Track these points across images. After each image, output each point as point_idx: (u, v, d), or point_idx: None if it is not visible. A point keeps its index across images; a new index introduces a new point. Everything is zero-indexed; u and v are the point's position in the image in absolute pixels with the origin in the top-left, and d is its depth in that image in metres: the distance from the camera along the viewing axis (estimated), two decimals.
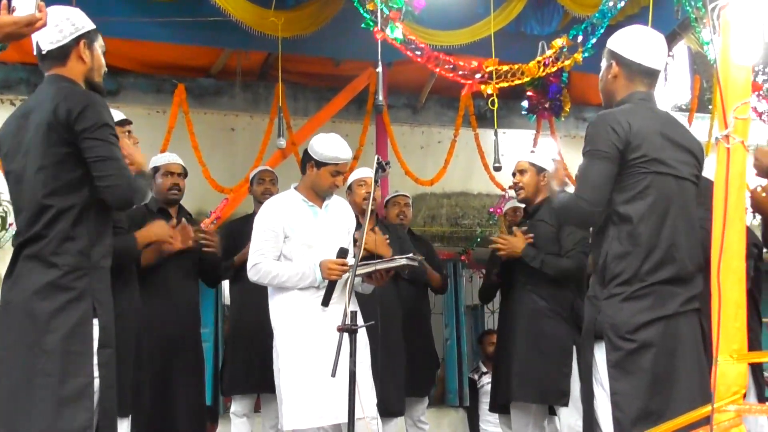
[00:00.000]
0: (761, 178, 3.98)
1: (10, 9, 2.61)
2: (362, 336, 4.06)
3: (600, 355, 3.13)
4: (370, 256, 4.53)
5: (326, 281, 3.97)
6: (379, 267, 4.01)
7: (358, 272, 3.95)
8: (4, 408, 2.82)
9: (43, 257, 2.88)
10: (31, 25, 2.62)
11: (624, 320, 3.04)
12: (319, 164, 4.14)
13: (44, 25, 2.69)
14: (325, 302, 3.91)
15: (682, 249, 3.10)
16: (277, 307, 4.13)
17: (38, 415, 2.78)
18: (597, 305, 3.16)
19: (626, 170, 3.12)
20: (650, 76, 3.30)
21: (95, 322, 2.92)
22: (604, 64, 3.37)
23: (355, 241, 4.29)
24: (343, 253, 3.96)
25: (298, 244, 4.09)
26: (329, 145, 4.15)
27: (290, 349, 4.01)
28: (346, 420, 3.48)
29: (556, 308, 4.69)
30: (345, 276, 3.96)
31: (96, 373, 2.90)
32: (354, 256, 3.87)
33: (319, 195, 4.22)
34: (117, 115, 4.08)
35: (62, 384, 2.81)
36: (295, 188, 4.29)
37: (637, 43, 3.29)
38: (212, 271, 5.23)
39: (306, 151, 4.24)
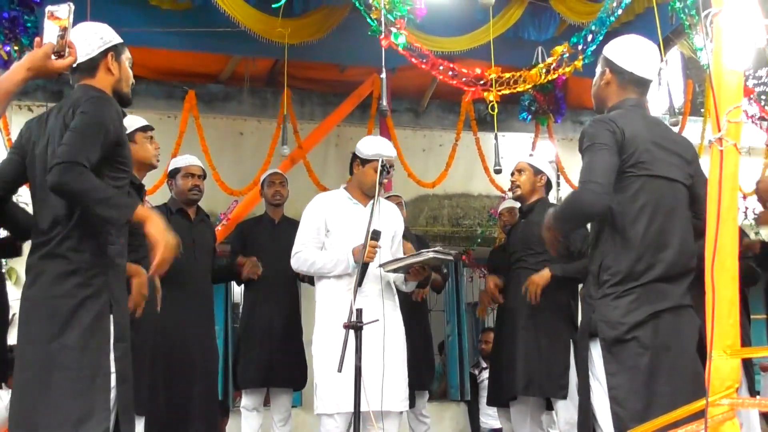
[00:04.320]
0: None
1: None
2: (396, 328, 4.15)
3: (596, 351, 3.14)
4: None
5: (358, 266, 3.96)
6: (407, 262, 4.04)
7: (387, 269, 4.04)
8: (24, 401, 2.82)
9: (62, 254, 2.88)
10: (59, 57, 2.65)
11: (617, 319, 3.05)
12: (364, 161, 4.22)
13: (75, 61, 2.75)
14: (359, 283, 3.92)
15: (672, 249, 3.10)
16: (319, 295, 4.22)
17: (57, 409, 2.78)
18: (592, 305, 3.16)
19: (619, 173, 3.12)
20: (642, 85, 3.31)
21: (110, 317, 2.92)
22: (598, 70, 3.38)
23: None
24: (376, 235, 3.96)
25: (338, 238, 4.15)
26: (372, 142, 4.27)
27: (326, 336, 4.05)
28: (374, 408, 3.60)
29: (554, 306, 4.71)
30: (376, 258, 3.97)
31: (113, 368, 2.90)
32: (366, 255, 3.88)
33: (365, 193, 4.27)
34: (139, 121, 4.10)
35: (81, 378, 2.81)
36: (345, 188, 4.36)
37: (631, 52, 3.29)
38: (226, 279, 5.33)
39: (353, 153, 4.33)
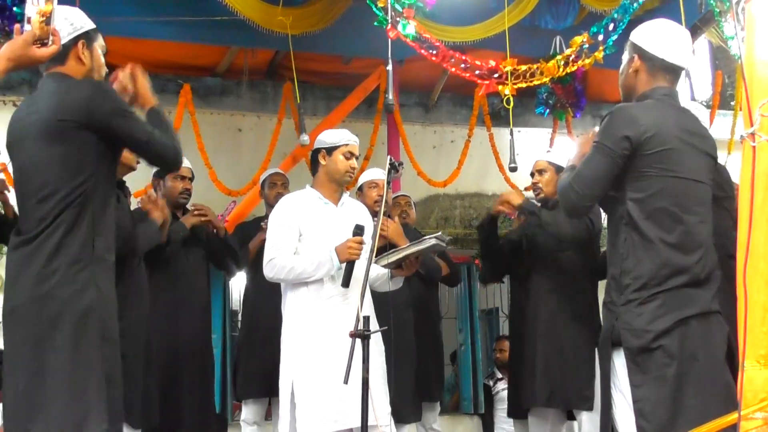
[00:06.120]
0: None
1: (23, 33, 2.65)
2: (377, 341, 4.05)
3: (619, 361, 3.12)
4: (383, 248, 4.52)
5: (344, 266, 3.95)
6: (409, 252, 4.03)
7: (383, 262, 4.02)
8: (17, 407, 2.83)
9: (45, 250, 2.88)
10: (42, 45, 2.65)
11: (642, 326, 3.03)
12: (330, 150, 4.22)
13: (58, 49, 2.74)
14: (346, 283, 3.91)
15: (698, 252, 3.09)
16: (290, 307, 4.13)
17: (53, 413, 2.79)
18: (614, 311, 3.15)
19: (640, 172, 3.11)
20: (673, 72, 3.27)
21: (98, 314, 2.92)
22: (625, 57, 3.34)
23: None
24: (359, 229, 3.95)
25: (312, 242, 4.11)
26: (332, 131, 4.32)
27: (303, 351, 4.00)
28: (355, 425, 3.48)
29: (576, 311, 4.68)
30: (364, 256, 3.92)
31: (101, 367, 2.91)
32: (369, 254, 3.83)
33: (337, 186, 4.25)
34: None
35: (75, 380, 2.82)
36: (311, 186, 4.32)
37: (662, 37, 3.26)
38: (231, 256, 5.26)
39: (313, 150, 4.32)
